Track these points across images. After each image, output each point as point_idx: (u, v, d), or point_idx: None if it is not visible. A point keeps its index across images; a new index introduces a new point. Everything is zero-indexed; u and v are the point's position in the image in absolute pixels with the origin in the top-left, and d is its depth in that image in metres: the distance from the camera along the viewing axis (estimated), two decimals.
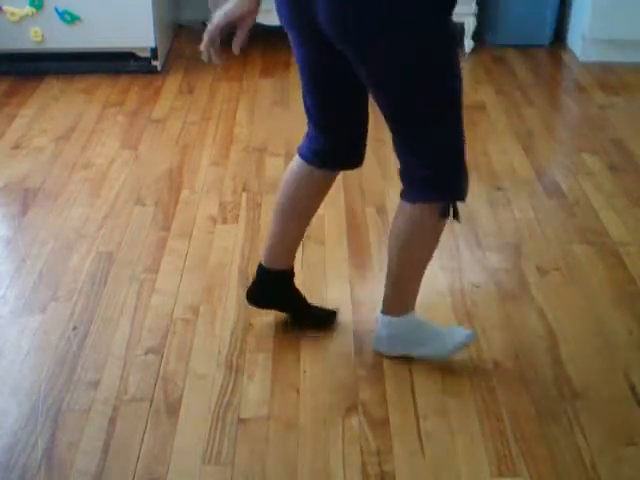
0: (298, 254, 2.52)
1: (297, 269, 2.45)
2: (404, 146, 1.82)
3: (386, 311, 2.06)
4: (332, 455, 1.84)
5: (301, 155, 2.02)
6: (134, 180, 2.97)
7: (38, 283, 2.40)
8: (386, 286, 2.03)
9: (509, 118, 3.48)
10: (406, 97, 1.71)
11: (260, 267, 2.16)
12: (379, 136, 3.28)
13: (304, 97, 1.95)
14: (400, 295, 2.04)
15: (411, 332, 2.07)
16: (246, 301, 2.21)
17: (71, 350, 2.15)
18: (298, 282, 2.32)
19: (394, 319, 2.05)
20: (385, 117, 1.79)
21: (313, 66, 1.85)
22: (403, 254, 1.95)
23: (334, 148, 1.98)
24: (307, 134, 2.03)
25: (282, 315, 2.26)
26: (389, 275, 2.01)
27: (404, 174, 1.88)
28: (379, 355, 2.11)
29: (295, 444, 1.87)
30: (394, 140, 1.83)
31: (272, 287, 2.17)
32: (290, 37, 1.85)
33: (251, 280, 2.22)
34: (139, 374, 2.07)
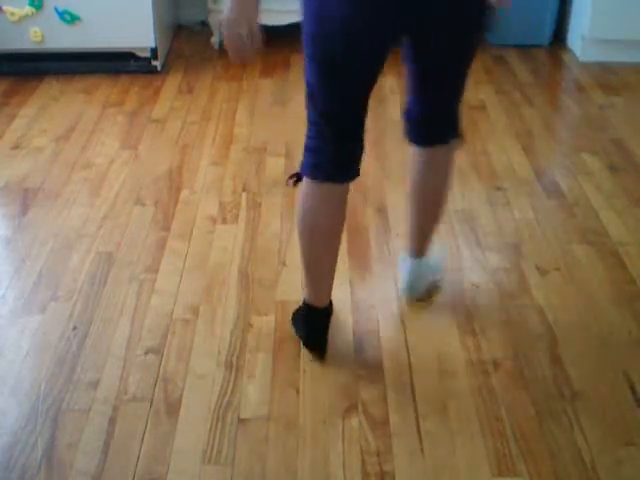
0: (298, 254, 2.53)
1: (297, 269, 2.46)
2: (457, 96, 2.03)
3: (423, 253, 2.26)
4: (332, 455, 1.84)
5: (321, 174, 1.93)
6: (134, 180, 2.97)
7: (38, 283, 2.40)
8: (426, 231, 2.22)
9: (509, 118, 3.48)
10: (472, 57, 1.97)
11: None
12: (379, 136, 3.30)
13: (331, 106, 1.91)
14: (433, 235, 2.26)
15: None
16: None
17: (71, 350, 2.15)
18: (297, 282, 2.32)
19: (424, 258, 2.28)
20: (450, 78, 1.97)
21: (368, 70, 1.85)
22: (446, 192, 2.16)
23: (350, 156, 1.94)
24: (313, 150, 1.96)
25: (282, 315, 2.26)
26: (433, 218, 2.20)
27: (450, 120, 2.05)
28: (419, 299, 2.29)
29: (295, 444, 1.87)
30: (447, 96, 2.01)
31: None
32: (352, 43, 1.75)
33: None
34: (139, 374, 2.07)
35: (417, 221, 2.21)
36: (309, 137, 1.96)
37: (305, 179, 1.94)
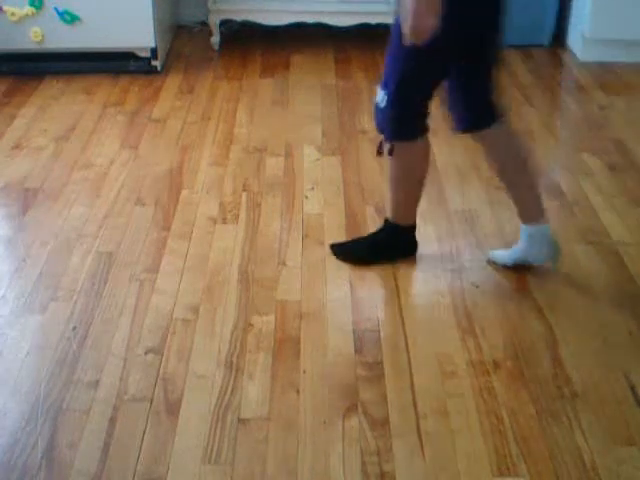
0: (298, 254, 2.53)
1: (297, 269, 2.46)
2: (493, 80, 2.29)
3: (533, 220, 2.42)
4: (332, 455, 1.84)
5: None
6: (134, 180, 2.97)
7: (38, 283, 2.40)
8: (525, 199, 2.42)
9: (509, 118, 3.47)
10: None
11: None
12: (379, 136, 3.29)
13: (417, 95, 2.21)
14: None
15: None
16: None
17: (71, 350, 2.15)
18: (297, 282, 2.32)
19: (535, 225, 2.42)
20: (487, 69, 2.26)
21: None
22: (521, 162, 2.39)
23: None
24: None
25: (282, 315, 2.26)
26: (523, 187, 2.40)
27: (492, 101, 2.29)
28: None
29: (295, 444, 1.87)
30: (488, 83, 2.28)
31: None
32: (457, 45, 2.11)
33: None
34: (139, 374, 2.07)
35: (512, 194, 2.44)
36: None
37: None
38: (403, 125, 2.24)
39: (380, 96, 2.19)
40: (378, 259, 2.49)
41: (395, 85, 2.14)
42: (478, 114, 2.30)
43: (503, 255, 2.49)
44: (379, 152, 2.29)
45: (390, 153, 2.26)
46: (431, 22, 1.88)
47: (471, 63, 2.21)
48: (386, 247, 2.50)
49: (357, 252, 2.52)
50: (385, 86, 2.17)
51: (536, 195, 2.41)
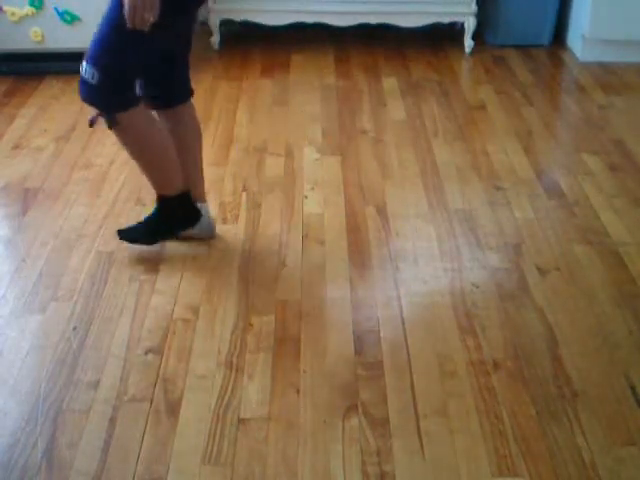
0: (298, 254, 2.53)
1: (297, 269, 2.46)
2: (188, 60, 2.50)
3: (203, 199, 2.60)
4: (332, 455, 1.84)
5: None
6: (134, 180, 2.96)
7: (38, 283, 2.40)
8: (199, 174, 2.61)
9: (509, 118, 3.48)
10: None
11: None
12: (379, 136, 3.30)
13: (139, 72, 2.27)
14: None
15: None
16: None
17: (71, 350, 2.15)
18: (297, 282, 2.32)
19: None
20: (188, 50, 2.48)
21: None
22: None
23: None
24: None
25: (282, 315, 2.26)
26: (200, 166, 2.59)
27: (188, 80, 2.53)
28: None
29: (295, 444, 1.87)
30: (187, 62, 2.51)
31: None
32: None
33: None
34: (139, 374, 2.07)
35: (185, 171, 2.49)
36: None
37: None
38: (118, 95, 2.22)
39: (90, 72, 2.14)
40: (162, 237, 2.55)
41: (110, 59, 2.15)
42: (175, 92, 2.47)
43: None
44: (91, 124, 2.26)
45: (111, 126, 2.24)
46: (149, 16, 1.99)
47: (178, 46, 2.37)
48: (165, 222, 2.53)
49: (140, 234, 2.56)
50: (96, 61, 2.14)
51: (201, 176, 2.59)
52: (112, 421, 1.92)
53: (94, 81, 2.14)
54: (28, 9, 3.67)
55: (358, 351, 2.15)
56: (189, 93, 2.52)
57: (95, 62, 2.14)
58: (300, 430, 1.90)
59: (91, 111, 2.22)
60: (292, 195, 2.86)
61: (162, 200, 2.49)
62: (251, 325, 2.24)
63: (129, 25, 2.01)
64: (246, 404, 1.97)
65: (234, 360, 2.11)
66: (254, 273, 2.45)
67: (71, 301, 2.33)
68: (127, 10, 1.99)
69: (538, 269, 2.47)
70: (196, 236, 2.58)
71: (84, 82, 2.17)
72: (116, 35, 2.12)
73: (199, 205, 2.55)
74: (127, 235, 2.56)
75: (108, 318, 2.26)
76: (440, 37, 4.35)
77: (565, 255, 2.54)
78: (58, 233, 2.64)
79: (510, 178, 2.99)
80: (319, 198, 2.84)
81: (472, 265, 2.50)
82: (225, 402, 1.98)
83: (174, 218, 2.53)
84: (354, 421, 1.92)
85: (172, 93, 2.47)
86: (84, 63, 2.15)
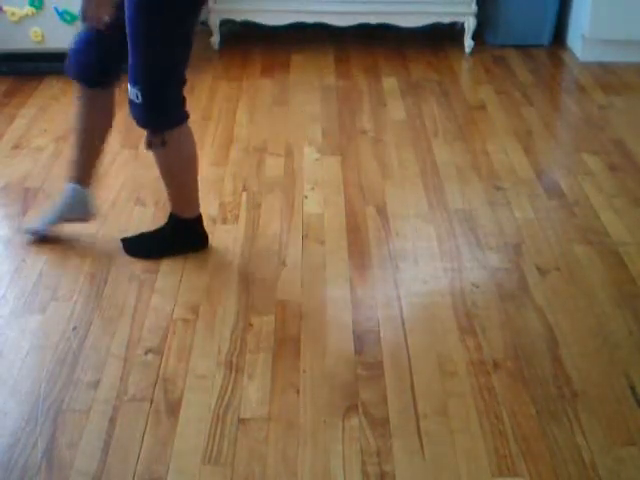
0: (298, 254, 2.53)
1: (297, 269, 2.46)
2: None
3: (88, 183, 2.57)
4: (332, 455, 1.84)
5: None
6: (134, 180, 2.97)
7: (38, 283, 2.40)
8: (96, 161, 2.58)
9: (509, 118, 3.48)
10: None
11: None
12: (379, 136, 3.30)
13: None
14: None
15: None
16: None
17: (71, 350, 2.15)
18: (297, 282, 2.31)
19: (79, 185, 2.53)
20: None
21: None
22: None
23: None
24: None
25: (282, 315, 2.26)
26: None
27: None
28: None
29: (295, 444, 1.87)
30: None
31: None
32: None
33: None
34: (139, 374, 2.07)
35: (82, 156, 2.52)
36: None
37: None
38: (169, 112, 2.26)
39: (134, 92, 2.20)
40: (167, 254, 2.52)
41: (153, 74, 2.19)
42: None
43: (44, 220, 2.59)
44: (149, 146, 2.30)
45: (163, 144, 2.27)
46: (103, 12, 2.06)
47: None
48: (174, 242, 2.53)
49: (146, 248, 2.55)
50: (138, 80, 2.18)
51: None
52: (112, 421, 1.92)
53: (139, 101, 2.19)
54: (28, 9, 3.67)
55: (358, 351, 2.15)
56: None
57: (135, 81, 2.18)
58: (300, 430, 1.90)
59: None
60: (292, 195, 2.86)
61: (178, 220, 2.50)
62: (251, 325, 2.24)
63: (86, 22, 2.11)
64: (246, 404, 1.97)
65: (234, 360, 2.11)
66: (254, 273, 2.45)
67: (71, 301, 2.33)
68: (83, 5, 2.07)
69: (538, 269, 2.47)
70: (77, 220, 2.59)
71: (131, 103, 2.22)
72: (156, 52, 2.17)
73: (79, 187, 2.54)
74: (134, 245, 2.56)
75: (108, 318, 2.26)
76: (440, 37, 4.36)
77: (565, 255, 2.54)
78: (58, 233, 2.64)
79: (510, 178, 2.99)
80: (319, 198, 2.84)
81: (472, 265, 2.50)
82: (225, 402, 1.98)
83: (185, 240, 2.53)
84: (354, 421, 1.92)
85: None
86: (129, 85, 2.20)
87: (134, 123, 2.29)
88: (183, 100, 2.29)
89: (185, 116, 2.31)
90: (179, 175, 2.43)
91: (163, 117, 2.25)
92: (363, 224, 2.70)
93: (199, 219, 2.53)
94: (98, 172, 2.60)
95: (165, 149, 2.28)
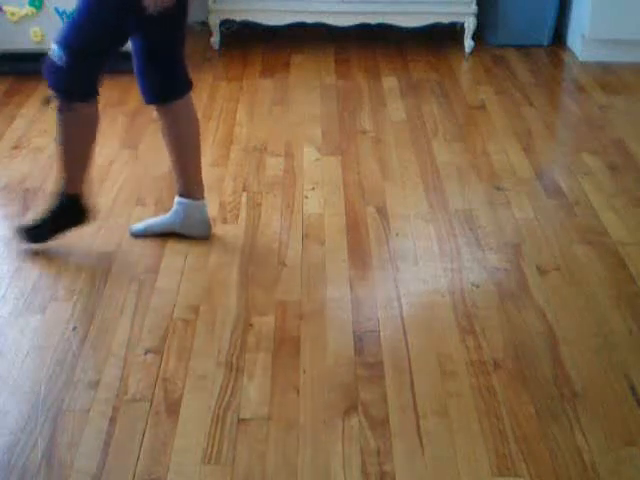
0: (298, 254, 2.53)
1: (297, 269, 2.46)
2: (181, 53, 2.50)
3: (192, 195, 2.59)
4: (332, 455, 1.84)
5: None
6: (134, 180, 2.97)
7: (38, 283, 2.40)
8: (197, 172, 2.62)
9: (509, 118, 3.48)
10: None
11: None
12: (379, 136, 3.30)
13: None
14: None
15: None
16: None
17: (71, 350, 2.15)
18: (297, 282, 2.31)
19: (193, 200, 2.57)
20: (173, 42, 2.47)
21: None
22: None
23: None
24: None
25: (282, 315, 2.26)
26: (199, 163, 2.61)
27: (180, 74, 2.53)
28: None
29: (295, 444, 1.87)
30: (176, 55, 2.49)
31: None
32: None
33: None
34: (139, 374, 2.07)
35: (180, 169, 2.58)
36: None
37: None
38: (81, 84, 2.29)
39: (57, 53, 2.20)
40: (50, 234, 2.53)
41: (79, 44, 2.21)
42: (165, 88, 2.47)
43: (152, 224, 2.62)
44: (47, 102, 2.35)
45: (61, 109, 2.32)
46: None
47: (155, 37, 2.38)
48: (54, 219, 2.53)
49: (44, 231, 2.55)
50: (65, 43, 2.20)
51: (200, 172, 2.60)
52: (112, 421, 1.92)
53: (61, 63, 2.20)
54: (28, 9, 3.67)
55: (358, 351, 2.15)
56: (184, 88, 2.52)
57: (63, 43, 2.20)
58: (300, 430, 1.90)
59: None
60: (292, 195, 2.86)
61: (61, 196, 2.52)
62: (251, 325, 2.24)
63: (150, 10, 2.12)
64: (246, 404, 1.97)
65: (234, 360, 2.11)
66: (254, 273, 2.45)
67: (71, 301, 2.33)
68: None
69: (538, 269, 2.47)
70: (192, 236, 2.58)
71: (52, 64, 2.23)
72: (85, 19, 2.20)
73: (198, 202, 2.57)
74: (32, 235, 2.56)
75: (108, 318, 2.26)
76: (440, 37, 4.35)
77: (565, 255, 2.54)
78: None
79: (510, 178, 2.99)
80: (319, 198, 2.84)
81: (472, 265, 2.50)
82: (225, 402, 1.98)
83: (66, 216, 2.55)
84: (354, 421, 1.92)
85: (162, 89, 2.47)
86: (54, 46, 2.21)
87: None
88: (97, 79, 2.32)
89: (92, 94, 2.32)
90: (68, 147, 2.47)
91: (79, 85, 2.29)
92: (363, 224, 2.70)
93: (78, 196, 2.52)
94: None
95: (66, 116, 2.35)
